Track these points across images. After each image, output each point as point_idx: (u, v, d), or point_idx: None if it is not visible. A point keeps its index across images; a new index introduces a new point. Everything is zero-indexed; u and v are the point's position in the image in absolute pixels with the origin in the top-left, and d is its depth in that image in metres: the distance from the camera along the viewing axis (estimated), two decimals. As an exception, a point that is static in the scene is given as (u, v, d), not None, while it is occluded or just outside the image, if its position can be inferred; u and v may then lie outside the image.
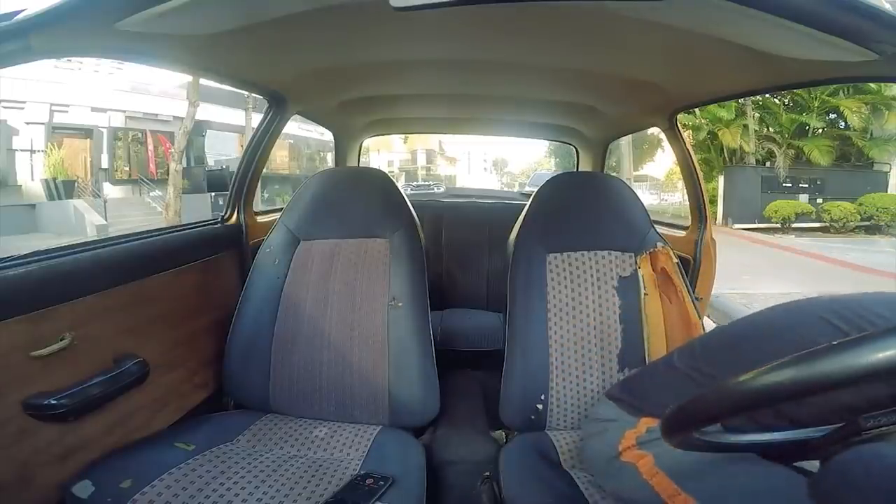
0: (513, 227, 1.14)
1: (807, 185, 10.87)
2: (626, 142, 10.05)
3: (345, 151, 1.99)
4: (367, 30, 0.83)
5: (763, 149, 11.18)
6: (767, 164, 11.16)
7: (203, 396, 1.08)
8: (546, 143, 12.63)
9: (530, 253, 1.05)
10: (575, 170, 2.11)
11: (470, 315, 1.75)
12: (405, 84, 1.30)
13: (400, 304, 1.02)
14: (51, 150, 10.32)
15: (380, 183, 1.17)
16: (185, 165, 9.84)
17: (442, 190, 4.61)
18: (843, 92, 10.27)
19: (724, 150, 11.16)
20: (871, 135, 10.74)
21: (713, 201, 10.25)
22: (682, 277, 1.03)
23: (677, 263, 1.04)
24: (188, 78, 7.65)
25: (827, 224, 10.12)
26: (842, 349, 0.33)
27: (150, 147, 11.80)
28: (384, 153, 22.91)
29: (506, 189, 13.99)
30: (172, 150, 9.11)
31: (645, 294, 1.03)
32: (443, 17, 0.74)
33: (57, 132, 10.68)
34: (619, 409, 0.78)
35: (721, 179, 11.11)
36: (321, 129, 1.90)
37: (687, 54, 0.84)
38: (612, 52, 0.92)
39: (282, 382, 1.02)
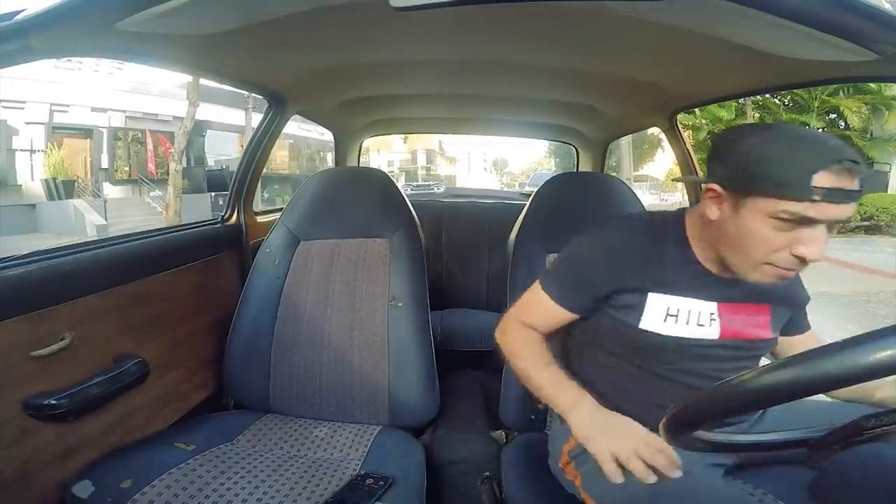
0: (513, 227, 1.14)
1: (807, 185, 10.85)
2: (626, 142, 10.04)
3: (345, 151, 1.98)
4: (367, 30, 0.83)
5: (763, 149, 11.15)
6: (767, 164, 11.14)
7: (203, 396, 1.08)
8: (546, 143, 12.63)
9: (530, 253, 1.05)
10: (575, 170, 2.11)
11: (470, 315, 1.75)
12: (405, 84, 1.30)
13: (400, 304, 1.02)
14: (51, 150, 10.32)
15: (380, 183, 1.17)
16: (184, 165, 9.82)
17: (442, 190, 4.60)
18: (843, 92, 10.26)
19: (724, 150, 11.14)
20: (871, 135, 10.73)
21: (713, 201, 10.20)
22: None
23: None
24: (188, 78, 7.64)
25: (827, 224, 10.11)
26: (843, 348, 0.33)
27: (150, 147, 11.80)
28: (384, 153, 22.91)
29: (506, 189, 13.98)
30: (172, 150, 9.10)
31: None
32: (443, 18, 0.74)
33: (57, 132, 10.68)
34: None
35: (721, 179, 11.09)
36: (321, 129, 1.90)
37: (687, 54, 0.84)
38: (611, 52, 0.92)
39: (282, 382, 1.02)
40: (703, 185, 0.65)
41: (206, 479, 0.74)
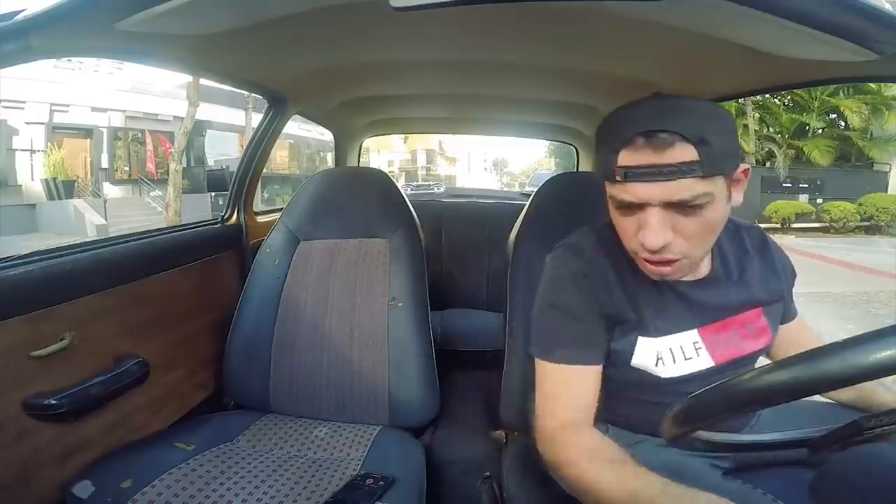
0: (513, 227, 1.14)
1: (807, 186, 10.86)
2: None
3: (345, 151, 1.98)
4: (367, 30, 0.83)
5: (763, 149, 11.17)
6: (767, 164, 11.15)
7: (203, 396, 1.08)
8: (546, 143, 12.65)
9: (530, 253, 1.05)
10: (575, 170, 2.11)
11: (470, 315, 1.75)
12: (405, 84, 1.30)
13: (400, 304, 1.02)
14: (51, 149, 10.33)
15: (380, 183, 1.17)
16: (185, 165, 9.84)
17: (442, 190, 4.59)
18: (843, 92, 10.27)
19: (724, 150, 11.15)
20: (871, 135, 10.74)
21: (713, 201, 10.23)
22: None
23: None
24: (188, 78, 7.65)
25: (827, 224, 10.11)
26: (844, 348, 0.33)
27: (150, 147, 11.80)
28: (384, 153, 22.92)
29: (506, 189, 13.97)
30: (172, 150, 9.11)
31: None
32: (443, 18, 0.74)
33: (57, 132, 10.69)
34: None
35: (721, 179, 11.11)
36: (321, 129, 1.90)
37: (687, 54, 0.84)
38: (611, 52, 0.92)
39: (282, 382, 1.02)
40: None
41: (206, 479, 0.74)
